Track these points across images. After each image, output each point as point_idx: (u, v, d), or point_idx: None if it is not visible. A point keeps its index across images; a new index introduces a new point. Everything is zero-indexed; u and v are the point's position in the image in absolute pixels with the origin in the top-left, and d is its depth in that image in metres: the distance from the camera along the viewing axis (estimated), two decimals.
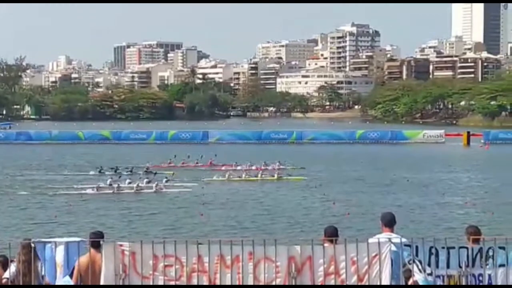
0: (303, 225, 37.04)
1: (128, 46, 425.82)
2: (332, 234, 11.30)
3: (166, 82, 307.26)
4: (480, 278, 10.59)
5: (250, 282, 10.35)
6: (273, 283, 10.31)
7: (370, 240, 10.81)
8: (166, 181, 52.04)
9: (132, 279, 10.35)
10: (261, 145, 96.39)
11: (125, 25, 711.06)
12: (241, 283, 10.31)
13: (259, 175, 58.26)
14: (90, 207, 43.63)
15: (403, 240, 10.81)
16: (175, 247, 10.39)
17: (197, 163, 67.79)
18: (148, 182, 51.79)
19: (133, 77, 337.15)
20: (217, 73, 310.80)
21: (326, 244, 10.90)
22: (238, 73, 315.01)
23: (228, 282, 10.32)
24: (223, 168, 62.31)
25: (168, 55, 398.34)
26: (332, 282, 10.37)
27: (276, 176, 57.86)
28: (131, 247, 10.40)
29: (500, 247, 10.67)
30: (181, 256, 10.34)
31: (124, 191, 50.02)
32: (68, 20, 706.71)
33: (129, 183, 51.64)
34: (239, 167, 61.96)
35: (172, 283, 10.36)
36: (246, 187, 53.33)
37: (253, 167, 61.81)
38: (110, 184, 50.86)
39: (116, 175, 56.92)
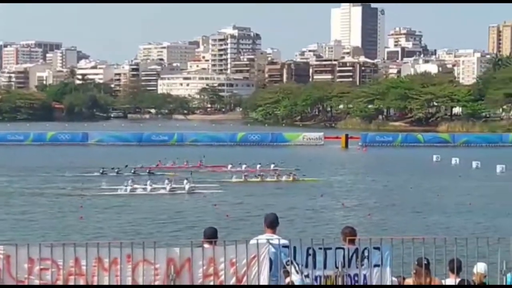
0: (183, 227, 36.92)
1: (5, 46, 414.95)
2: (211, 236, 11.33)
3: (44, 82, 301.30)
4: (356, 278, 10.76)
5: (129, 284, 10.27)
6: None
7: (250, 242, 10.87)
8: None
9: (6, 283, 10.10)
10: (142, 147, 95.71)
11: (1, 23, 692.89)
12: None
13: (276, 177, 59.38)
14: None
15: (282, 241, 10.90)
16: (51, 250, 10.20)
17: (186, 164, 67.75)
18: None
19: (10, 77, 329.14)
20: (97, 74, 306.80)
21: (205, 246, 10.91)
22: (119, 74, 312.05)
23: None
24: (212, 169, 63.78)
25: (47, 55, 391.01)
26: (211, 283, 10.39)
27: (291, 177, 58.96)
28: (5, 250, 10.15)
29: (375, 248, 10.86)
30: (57, 259, 10.16)
31: (159, 192, 50.66)
32: None
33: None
34: (233, 169, 63.46)
35: None
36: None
37: (256, 168, 63.05)
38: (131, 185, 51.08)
39: (118, 175, 58.02)
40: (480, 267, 11.86)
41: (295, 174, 59.69)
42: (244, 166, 63.80)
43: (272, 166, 64.28)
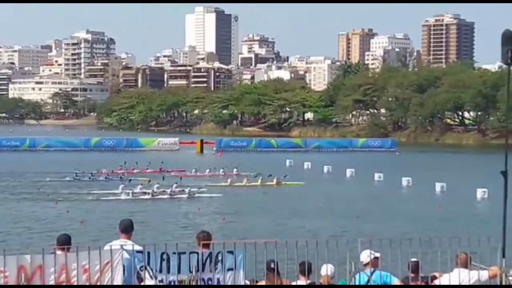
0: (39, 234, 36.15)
1: None
2: (64, 242, 11.20)
3: None
4: (210, 282, 10.87)
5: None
6: None
7: (104, 248, 10.81)
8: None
9: None
10: None
11: None
12: None
13: (260, 181, 59.94)
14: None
15: (136, 247, 10.89)
16: None
17: (146, 169, 68.04)
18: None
19: None
20: None
21: (58, 252, 10.78)
22: None
23: None
24: (172, 174, 63.67)
25: None
26: None
27: (275, 181, 59.64)
28: None
29: (228, 252, 10.99)
30: None
31: (159, 197, 50.66)
32: None
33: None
34: (197, 173, 65.27)
35: None
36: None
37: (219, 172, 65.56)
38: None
39: (91, 180, 59.79)
40: (327, 269, 12.19)
41: (279, 179, 60.29)
42: (207, 170, 66.50)
43: (234, 170, 65.78)
